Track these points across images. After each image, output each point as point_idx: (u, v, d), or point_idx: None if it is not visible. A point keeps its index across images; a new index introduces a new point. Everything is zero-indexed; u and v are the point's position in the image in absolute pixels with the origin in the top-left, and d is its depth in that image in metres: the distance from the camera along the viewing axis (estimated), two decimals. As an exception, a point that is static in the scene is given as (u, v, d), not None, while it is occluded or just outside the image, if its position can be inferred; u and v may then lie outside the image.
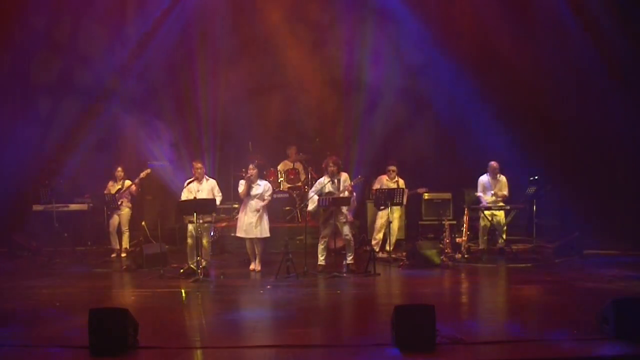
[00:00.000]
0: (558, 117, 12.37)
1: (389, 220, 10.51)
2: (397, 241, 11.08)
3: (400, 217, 11.06)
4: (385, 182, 10.90)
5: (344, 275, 9.25)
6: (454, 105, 12.75)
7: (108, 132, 12.49)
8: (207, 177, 9.63)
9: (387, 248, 10.62)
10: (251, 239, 9.73)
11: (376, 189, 10.69)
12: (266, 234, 9.66)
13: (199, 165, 9.54)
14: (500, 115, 12.13)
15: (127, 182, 11.20)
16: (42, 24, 12.10)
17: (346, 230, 9.44)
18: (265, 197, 9.64)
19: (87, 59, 12.37)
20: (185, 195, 9.42)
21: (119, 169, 11.29)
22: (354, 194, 9.51)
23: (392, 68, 12.47)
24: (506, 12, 12.22)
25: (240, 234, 9.73)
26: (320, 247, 9.53)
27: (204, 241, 9.35)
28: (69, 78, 12.46)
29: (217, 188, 9.62)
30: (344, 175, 9.49)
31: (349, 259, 9.51)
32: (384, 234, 10.79)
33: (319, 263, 9.50)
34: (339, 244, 9.89)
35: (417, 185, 11.46)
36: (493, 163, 11.05)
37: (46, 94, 12.39)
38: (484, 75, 12.32)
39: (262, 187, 9.68)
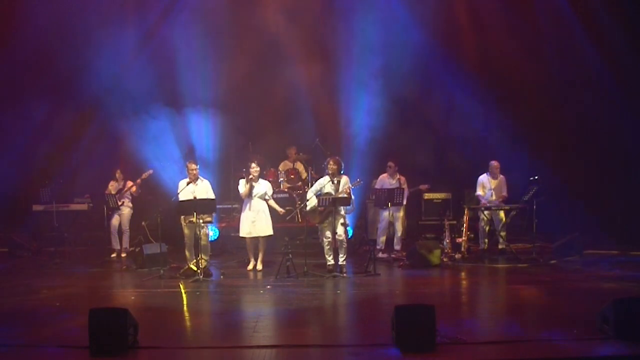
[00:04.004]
0: (558, 117, 12.38)
1: (392, 220, 10.60)
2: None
3: (402, 216, 11.02)
4: (386, 180, 10.92)
5: (344, 275, 9.24)
6: (453, 105, 12.75)
7: (108, 131, 12.47)
8: (201, 178, 9.63)
9: (397, 247, 10.67)
10: (254, 238, 9.74)
11: (377, 189, 10.72)
12: (269, 232, 9.69)
13: (194, 166, 9.54)
14: (500, 115, 12.13)
15: (129, 183, 11.22)
16: (40, 27, 12.07)
17: (340, 230, 9.42)
18: (268, 197, 9.68)
19: (87, 59, 12.35)
20: (184, 197, 9.41)
21: (119, 170, 11.32)
22: (353, 197, 9.49)
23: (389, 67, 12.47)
24: (506, 12, 12.22)
25: (243, 234, 9.75)
26: (326, 248, 9.49)
27: (203, 241, 9.37)
28: (69, 78, 12.44)
29: (210, 188, 9.62)
30: (345, 178, 9.46)
31: (342, 259, 9.48)
32: (386, 234, 10.87)
33: (328, 264, 9.45)
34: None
35: (419, 182, 11.47)
36: (494, 162, 11.06)
37: (46, 94, 12.36)
38: (483, 74, 12.32)
39: (263, 186, 9.71)
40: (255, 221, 9.61)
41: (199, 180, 9.56)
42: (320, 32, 12.55)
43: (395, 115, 12.28)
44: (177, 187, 9.61)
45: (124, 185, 11.20)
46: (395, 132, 12.47)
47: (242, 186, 9.70)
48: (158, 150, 11.94)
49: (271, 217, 9.84)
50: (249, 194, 9.63)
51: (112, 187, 11.28)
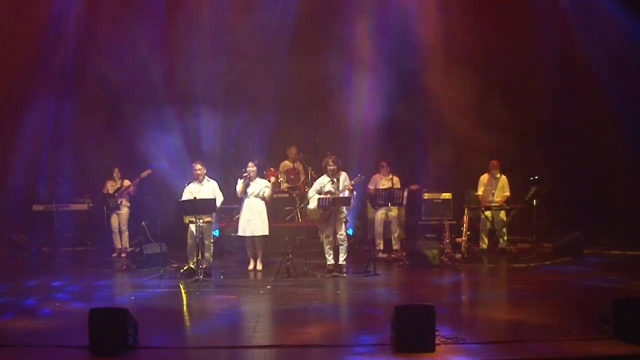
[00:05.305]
0: (558, 116, 12.37)
1: (388, 220, 10.60)
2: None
3: (398, 216, 11.01)
4: (379, 180, 10.96)
5: (344, 275, 9.24)
6: (453, 105, 12.72)
7: (109, 131, 12.46)
8: (208, 178, 9.64)
9: (395, 247, 10.67)
10: (251, 238, 9.76)
11: (376, 189, 10.74)
12: (265, 232, 9.69)
13: (199, 166, 9.55)
14: (500, 114, 12.11)
15: (126, 182, 11.23)
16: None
17: (341, 229, 9.42)
18: (266, 195, 9.66)
19: (87, 58, 12.34)
20: (185, 197, 9.44)
21: (117, 169, 11.33)
22: (355, 193, 9.50)
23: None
24: (507, 11, 12.20)
25: (240, 232, 9.79)
26: (326, 247, 9.50)
27: (206, 241, 9.38)
28: (69, 77, 12.44)
29: (218, 189, 9.63)
30: (343, 175, 9.48)
31: (342, 259, 9.47)
32: (384, 234, 10.88)
33: (328, 263, 9.46)
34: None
35: (410, 182, 11.49)
36: (494, 162, 11.07)
37: (46, 93, 12.35)
38: (483, 74, 12.29)
39: (259, 184, 9.72)
40: (251, 220, 9.63)
41: (205, 180, 9.57)
42: (320, 25, 12.49)
43: (398, 110, 12.29)
44: (180, 187, 9.66)
45: (122, 185, 11.21)
46: (397, 128, 12.49)
47: (238, 184, 9.73)
48: (159, 150, 11.93)
49: (270, 217, 9.86)
50: (244, 192, 9.64)
51: (111, 186, 11.30)
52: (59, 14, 12.05)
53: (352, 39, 12.36)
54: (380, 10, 12.36)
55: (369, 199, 11.27)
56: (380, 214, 10.84)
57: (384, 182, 10.97)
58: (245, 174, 9.65)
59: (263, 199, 9.74)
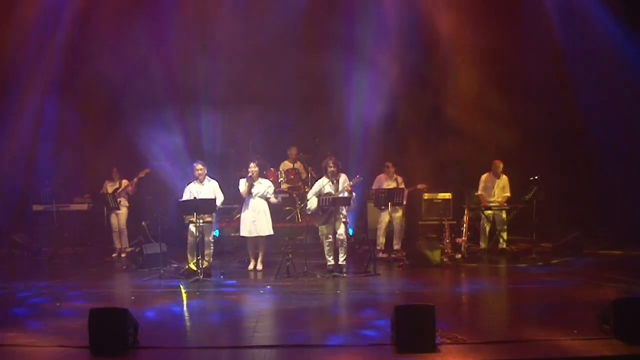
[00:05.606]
0: (559, 116, 12.37)
1: (390, 220, 10.62)
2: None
3: (401, 215, 11.01)
4: (384, 180, 10.97)
5: (344, 275, 9.24)
6: (454, 104, 12.73)
7: (109, 131, 12.46)
8: (208, 178, 9.64)
9: (396, 247, 10.66)
10: (254, 238, 9.76)
11: (376, 189, 10.75)
12: (269, 231, 9.70)
13: (200, 166, 9.56)
14: (501, 114, 12.12)
15: (125, 182, 11.23)
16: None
17: (341, 229, 9.42)
18: (269, 195, 9.67)
19: (89, 59, 12.34)
20: (185, 197, 9.45)
21: (115, 169, 11.34)
22: (354, 194, 9.50)
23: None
24: (508, 8, 12.20)
25: (244, 233, 9.77)
26: (326, 248, 9.51)
27: (206, 241, 9.38)
28: (69, 77, 12.43)
29: (218, 189, 9.63)
30: (343, 176, 9.49)
31: (342, 259, 9.47)
32: (386, 234, 10.88)
33: (328, 263, 9.46)
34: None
35: (416, 181, 11.50)
36: (497, 161, 11.05)
37: (47, 93, 12.35)
38: (484, 73, 12.30)
39: (263, 185, 9.72)
40: (256, 221, 9.63)
41: (206, 180, 9.57)
42: (320, 23, 12.47)
43: (398, 109, 12.26)
44: (180, 187, 9.66)
45: (120, 185, 11.22)
46: (397, 127, 12.48)
47: (242, 185, 9.72)
48: (159, 150, 11.93)
49: (272, 217, 9.86)
50: (249, 193, 9.65)
51: (110, 186, 11.30)
52: (59, 13, 12.04)
53: (352, 37, 12.37)
54: (380, 8, 12.35)
55: (373, 200, 11.24)
56: (385, 215, 10.80)
57: (389, 182, 10.96)
58: (250, 175, 9.65)
59: (266, 199, 9.74)
